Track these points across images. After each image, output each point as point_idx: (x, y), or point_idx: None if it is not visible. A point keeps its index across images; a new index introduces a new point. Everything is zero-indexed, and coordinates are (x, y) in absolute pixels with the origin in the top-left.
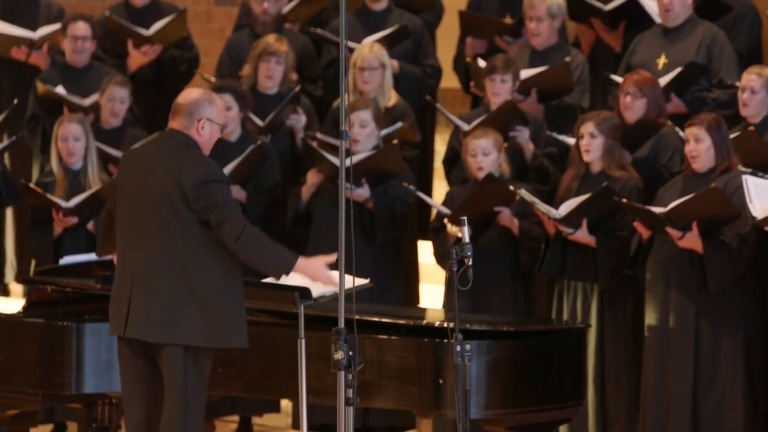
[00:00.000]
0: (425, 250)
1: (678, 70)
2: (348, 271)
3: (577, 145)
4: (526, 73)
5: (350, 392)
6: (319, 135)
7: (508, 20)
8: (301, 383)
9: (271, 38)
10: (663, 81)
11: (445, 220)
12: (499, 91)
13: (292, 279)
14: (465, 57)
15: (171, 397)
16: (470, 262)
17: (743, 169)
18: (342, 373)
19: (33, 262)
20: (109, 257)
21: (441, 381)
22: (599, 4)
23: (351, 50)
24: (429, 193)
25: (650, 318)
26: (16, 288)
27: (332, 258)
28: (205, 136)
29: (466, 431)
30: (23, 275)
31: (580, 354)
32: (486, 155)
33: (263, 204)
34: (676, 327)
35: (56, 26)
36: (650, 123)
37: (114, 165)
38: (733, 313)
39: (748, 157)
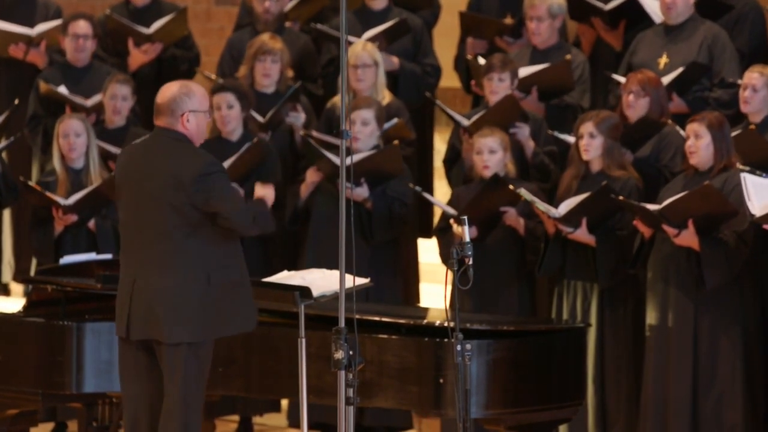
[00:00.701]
0: (425, 249)
1: (680, 70)
2: (348, 270)
3: (576, 144)
4: (526, 71)
5: (350, 392)
6: (315, 133)
7: (508, 20)
8: (302, 383)
9: (265, 37)
10: (665, 81)
11: (451, 221)
12: (497, 89)
13: (292, 279)
14: (466, 56)
15: (171, 395)
16: (470, 262)
17: (741, 167)
18: (342, 373)
19: (34, 262)
20: (109, 256)
21: (441, 380)
22: (599, 4)
23: (350, 43)
24: (429, 193)
25: (651, 317)
26: (16, 288)
27: (269, 189)
28: (193, 127)
29: (466, 431)
30: (22, 275)
31: (580, 353)
32: (492, 153)
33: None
34: (675, 326)
35: (54, 23)
36: (652, 122)
37: (114, 162)
38: (732, 312)
39: (748, 156)
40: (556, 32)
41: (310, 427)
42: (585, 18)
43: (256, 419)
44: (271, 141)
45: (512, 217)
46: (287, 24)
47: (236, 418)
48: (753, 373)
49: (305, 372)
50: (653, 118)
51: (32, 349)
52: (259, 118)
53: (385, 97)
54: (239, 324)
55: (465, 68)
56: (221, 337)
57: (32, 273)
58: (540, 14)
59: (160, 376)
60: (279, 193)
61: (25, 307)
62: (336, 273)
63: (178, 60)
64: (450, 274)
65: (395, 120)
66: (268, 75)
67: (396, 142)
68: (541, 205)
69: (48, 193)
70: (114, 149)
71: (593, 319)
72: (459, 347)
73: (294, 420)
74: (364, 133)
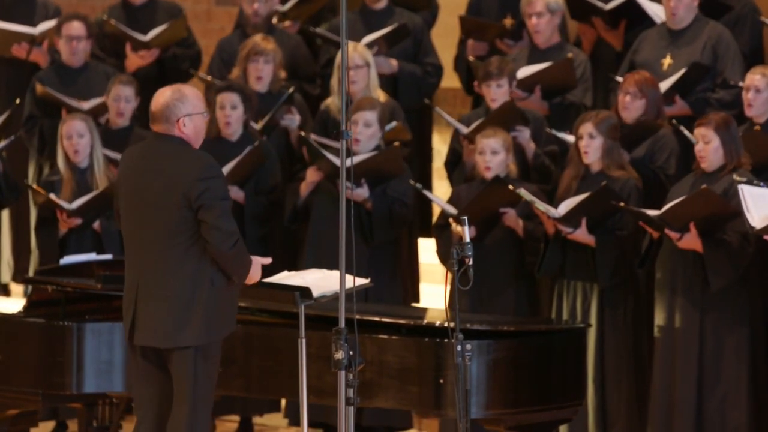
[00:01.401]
0: (425, 249)
1: (682, 72)
2: (348, 270)
3: (576, 145)
4: (529, 70)
5: (351, 392)
6: (313, 136)
7: (508, 21)
8: (302, 383)
9: (257, 38)
10: (668, 83)
11: (450, 219)
12: (496, 96)
13: (292, 279)
14: (466, 57)
15: (180, 399)
16: (471, 262)
17: (738, 178)
18: (342, 373)
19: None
20: (109, 256)
21: (441, 381)
22: (600, 4)
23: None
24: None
25: (659, 317)
26: (16, 288)
27: (267, 260)
28: (190, 130)
29: (466, 431)
30: (21, 275)
31: (580, 354)
32: (495, 154)
33: (262, 205)
34: (681, 326)
35: (56, 22)
36: (648, 124)
37: (115, 166)
38: (737, 313)
39: (753, 157)
40: (557, 31)
41: (310, 426)
42: (585, 18)
43: (256, 419)
44: (270, 144)
45: (511, 218)
46: (286, 23)
47: (236, 418)
48: (758, 373)
49: (305, 372)
50: (650, 120)
51: (32, 349)
52: (253, 124)
53: (380, 97)
54: (229, 326)
55: (465, 69)
56: (226, 336)
57: (31, 273)
58: (539, 10)
59: (167, 378)
60: (279, 194)
61: (25, 308)
62: (336, 273)
63: (179, 59)
64: (450, 274)
65: (394, 123)
66: (261, 77)
67: (397, 143)
68: (541, 205)
69: (52, 197)
70: (115, 155)
71: (593, 319)
72: (459, 347)
73: (294, 419)
74: (366, 135)
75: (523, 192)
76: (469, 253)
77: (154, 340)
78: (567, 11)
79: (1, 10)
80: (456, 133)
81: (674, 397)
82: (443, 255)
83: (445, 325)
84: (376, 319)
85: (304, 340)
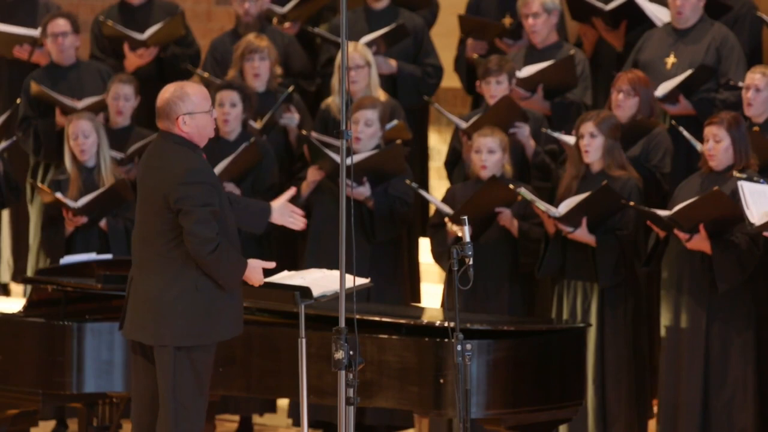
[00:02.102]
0: (426, 249)
1: (689, 72)
2: (348, 270)
3: (577, 144)
4: (531, 69)
5: (351, 392)
6: (314, 134)
7: (507, 20)
8: (302, 383)
9: (250, 37)
10: (674, 82)
11: (446, 219)
12: (496, 92)
13: (292, 279)
14: (466, 57)
15: (163, 397)
16: (471, 262)
17: (738, 174)
18: (343, 373)
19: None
20: (110, 256)
21: (441, 380)
22: (600, 4)
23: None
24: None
25: (665, 318)
26: (16, 288)
27: (271, 264)
28: (191, 129)
29: (466, 431)
30: (21, 275)
31: (581, 353)
32: (491, 153)
33: None
34: (687, 327)
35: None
36: (642, 122)
37: (117, 165)
38: (744, 313)
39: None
40: (554, 30)
41: (311, 425)
42: (586, 18)
43: (256, 419)
44: (268, 143)
45: (506, 218)
46: (286, 26)
47: (236, 418)
48: (764, 375)
49: (305, 372)
50: (644, 119)
51: (32, 349)
52: (253, 124)
53: (380, 96)
54: (231, 329)
55: (465, 69)
56: (213, 342)
57: (29, 273)
58: (535, 10)
59: (155, 375)
60: (275, 194)
61: (26, 307)
62: (336, 273)
63: (178, 58)
64: (446, 274)
65: (395, 121)
66: (258, 74)
67: (398, 141)
68: (542, 205)
69: (58, 195)
70: (116, 154)
71: (593, 319)
72: (459, 347)
73: (298, 419)
74: (366, 134)
75: (524, 191)
76: (470, 253)
77: (137, 335)
78: (567, 12)
79: (3, 10)
80: (456, 133)
81: (680, 397)
82: (438, 254)
83: (446, 324)
84: (377, 318)
85: (304, 340)
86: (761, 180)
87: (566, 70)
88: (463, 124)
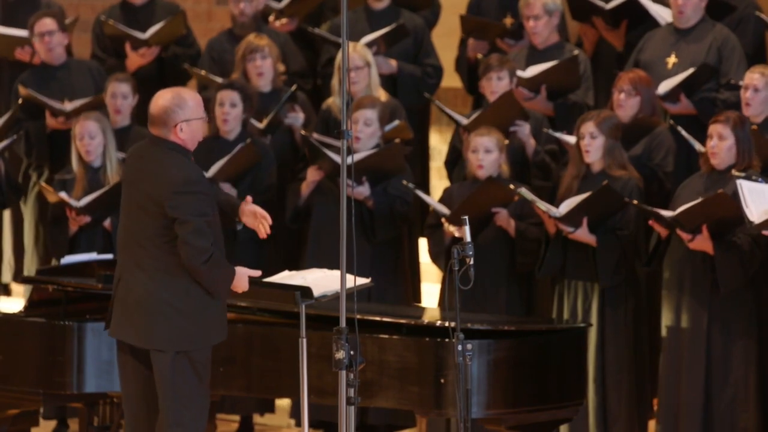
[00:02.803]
0: (426, 248)
1: (690, 71)
2: (349, 270)
3: (577, 144)
4: (535, 70)
5: (351, 391)
6: (315, 135)
7: (508, 20)
8: (303, 383)
9: (250, 37)
10: (675, 81)
11: (443, 219)
12: (497, 88)
13: (293, 279)
14: (468, 57)
15: (162, 400)
16: (471, 262)
17: (737, 173)
18: (343, 373)
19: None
20: (110, 256)
21: (442, 380)
22: (600, 3)
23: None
24: (426, 192)
25: (666, 318)
26: (16, 288)
27: (256, 272)
28: (187, 135)
29: (467, 431)
30: (21, 275)
31: (581, 353)
32: (488, 153)
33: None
34: (688, 327)
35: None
36: (644, 122)
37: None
38: (745, 314)
39: None
40: (556, 31)
41: (312, 425)
42: (586, 18)
43: (257, 419)
44: (271, 141)
45: (503, 218)
46: (283, 21)
47: (236, 417)
48: (766, 376)
49: (306, 372)
50: (646, 118)
51: (33, 348)
52: (257, 124)
53: (381, 96)
54: (221, 333)
55: (466, 69)
56: (203, 347)
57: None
58: (536, 12)
59: (149, 376)
60: (273, 194)
61: (26, 307)
62: (337, 273)
63: (179, 58)
64: (444, 273)
65: (396, 122)
66: (261, 73)
67: (398, 140)
68: (542, 205)
69: (61, 195)
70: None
71: (594, 319)
72: (460, 347)
73: (298, 418)
74: (366, 133)
75: (524, 191)
76: (470, 253)
77: (129, 337)
78: (568, 12)
79: (6, 10)
80: (456, 132)
81: (681, 398)
82: (434, 255)
83: (446, 324)
84: (377, 318)
85: (305, 340)
86: (760, 179)
87: (570, 71)
88: (464, 120)
